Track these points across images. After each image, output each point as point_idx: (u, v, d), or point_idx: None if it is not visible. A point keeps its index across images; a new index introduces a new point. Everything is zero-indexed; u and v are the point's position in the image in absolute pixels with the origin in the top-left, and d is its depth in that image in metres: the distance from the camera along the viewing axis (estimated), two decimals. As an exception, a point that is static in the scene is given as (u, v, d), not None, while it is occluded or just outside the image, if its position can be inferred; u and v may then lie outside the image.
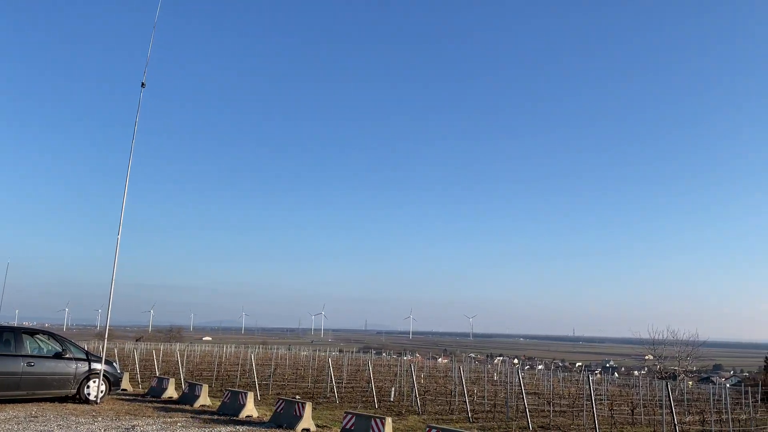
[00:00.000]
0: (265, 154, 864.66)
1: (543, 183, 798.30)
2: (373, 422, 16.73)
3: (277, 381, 41.17)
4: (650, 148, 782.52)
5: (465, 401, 28.90)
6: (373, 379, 34.51)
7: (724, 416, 27.65)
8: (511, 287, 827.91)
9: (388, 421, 16.85)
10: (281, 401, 20.75)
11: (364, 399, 33.54)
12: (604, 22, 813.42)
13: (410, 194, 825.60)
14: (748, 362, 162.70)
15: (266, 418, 21.21)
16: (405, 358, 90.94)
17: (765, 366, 75.69)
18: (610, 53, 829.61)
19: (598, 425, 25.49)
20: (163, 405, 23.79)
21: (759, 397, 47.73)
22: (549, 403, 30.32)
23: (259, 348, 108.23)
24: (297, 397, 30.07)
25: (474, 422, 27.15)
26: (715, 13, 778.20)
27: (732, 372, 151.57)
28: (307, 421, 19.30)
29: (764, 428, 29.50)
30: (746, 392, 46.52)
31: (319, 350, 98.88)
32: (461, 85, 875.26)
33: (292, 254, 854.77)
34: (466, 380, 47.14)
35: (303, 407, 19.47)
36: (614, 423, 29.25)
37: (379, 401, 31.55)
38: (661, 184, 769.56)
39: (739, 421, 31.20)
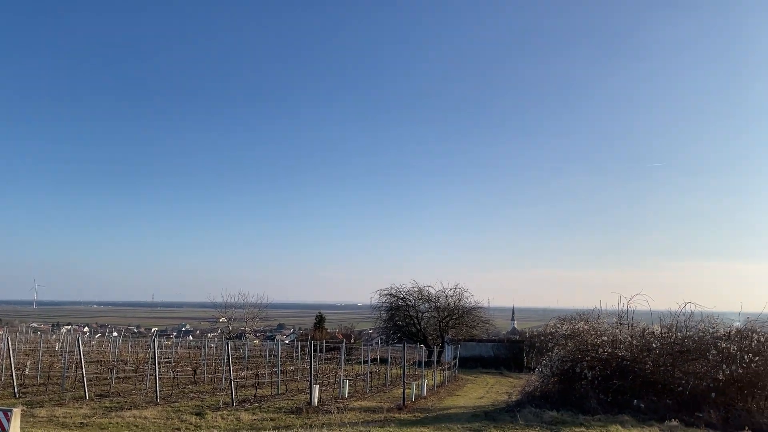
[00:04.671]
0: None
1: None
2: None
3: None
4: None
5: (12, 375, 25.69)
6: None
7: (275, 369, 31.29)
8: (84, 251, 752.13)
9: None
10: None
11: None
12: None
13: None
14: (306, 321, 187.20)
15: None
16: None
17: (315, 323, 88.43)
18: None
19: (162, 387, 25.91)
20: None
21: (308, 349, 55.48)
22: (112, 370, 29.30)
23: None
24: None
25: (22, 397, 24.47)
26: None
27: (292, 330, 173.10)
28: None
29: (305, 375, 34.60)
30: (298, 347, 53.66)
31: None
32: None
33: None
34: (19, 352, 41.88)
35: None
36: (177, 384, 30.12)
37: None
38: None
39: (287, 372, 35.75)
